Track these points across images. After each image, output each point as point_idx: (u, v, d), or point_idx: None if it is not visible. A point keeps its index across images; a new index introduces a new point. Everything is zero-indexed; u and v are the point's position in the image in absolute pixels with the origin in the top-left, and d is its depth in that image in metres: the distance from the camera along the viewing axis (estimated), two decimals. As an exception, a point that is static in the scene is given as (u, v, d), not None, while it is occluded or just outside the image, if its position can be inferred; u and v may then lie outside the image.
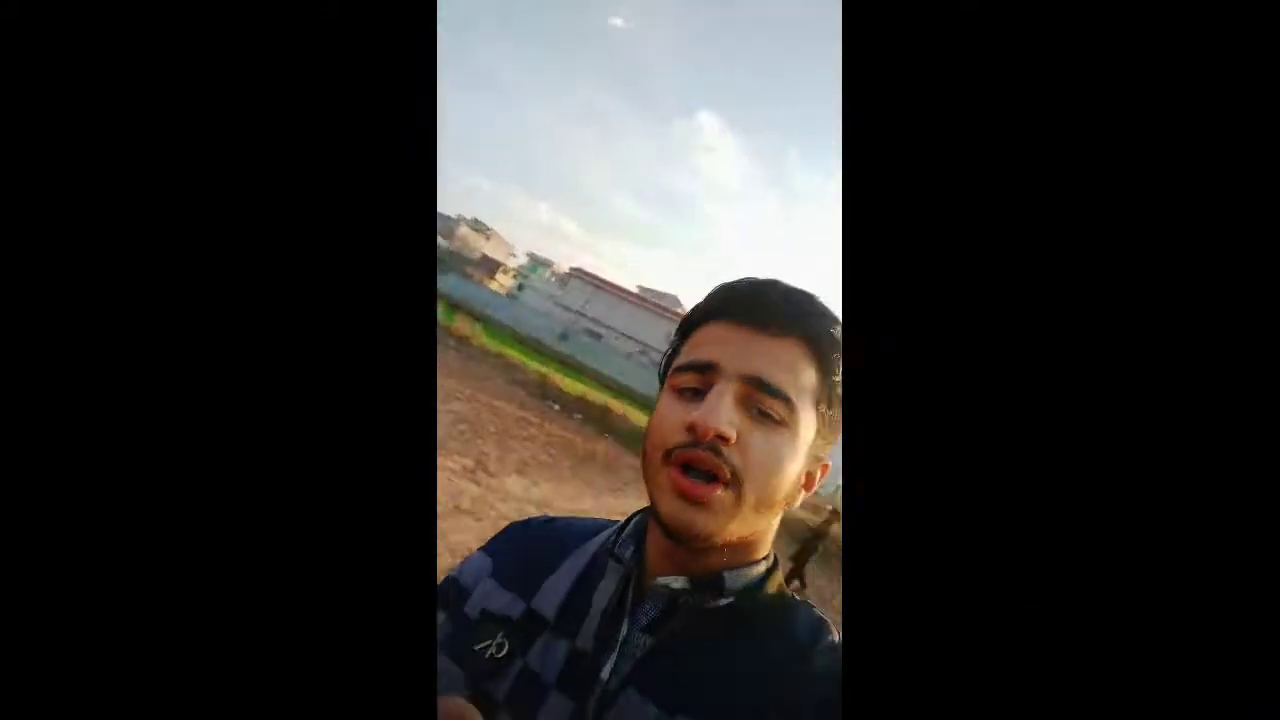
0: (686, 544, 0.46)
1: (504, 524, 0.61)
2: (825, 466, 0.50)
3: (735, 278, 0.53)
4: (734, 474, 0.44)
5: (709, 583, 0.47)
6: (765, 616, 0.48)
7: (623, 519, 0.56)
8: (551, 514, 0.63)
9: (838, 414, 0.49)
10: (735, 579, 0.48)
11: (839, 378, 0.48)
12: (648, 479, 0.48)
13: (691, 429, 0.44)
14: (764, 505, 0.46)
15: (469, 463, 5.12)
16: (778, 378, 0.46)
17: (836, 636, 0.48)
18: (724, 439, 0.44)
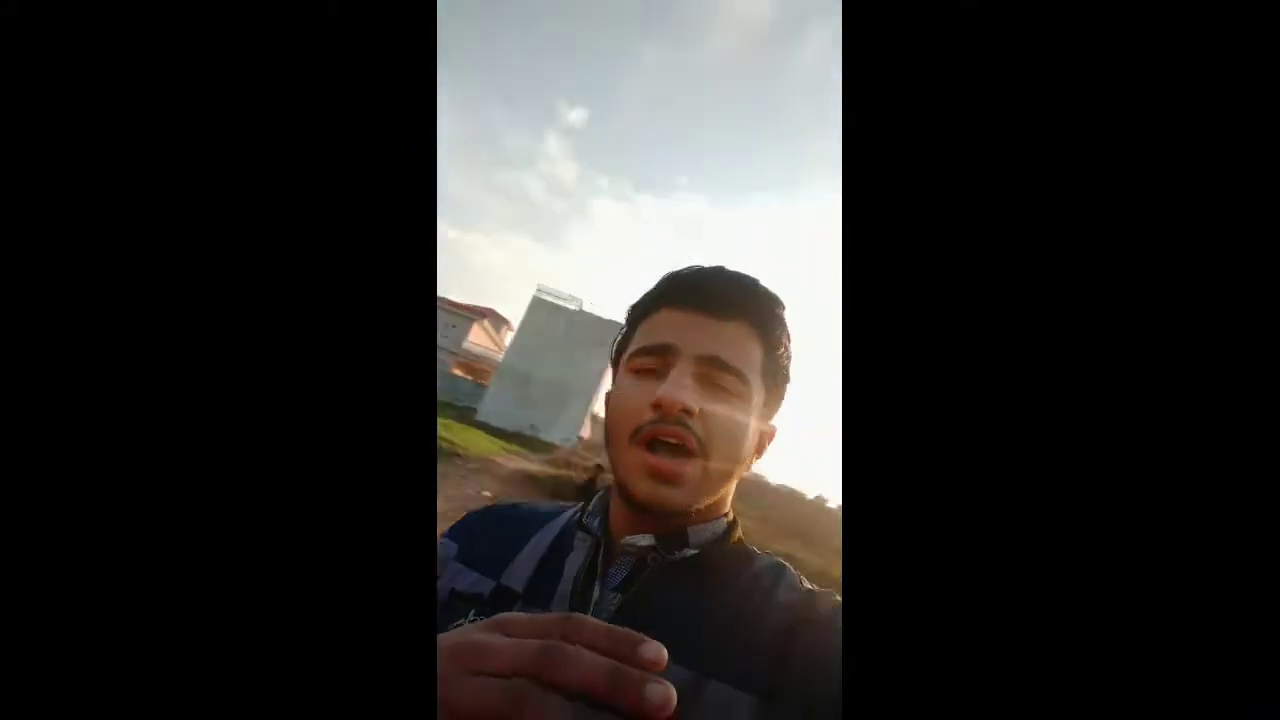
0: (661, 517, 0.50)
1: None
2: (772, 432, 0.56)
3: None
4: (700, 444, 0.48)
5: (674, 538, 0.51)
6: (728, 564, 0.51)
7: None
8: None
9: (781, 386, 0.55)
10: (699, 533, 0.52)
11: (780, 352, 0.54)
12: (615, 460, 0.52)
13: (658, 405, 0.48)
14: (726, 471, 0.50)
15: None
16: (730, 355, 0.51)
17: (794, 573, 0.52)
18: (689, 412, 0.48)
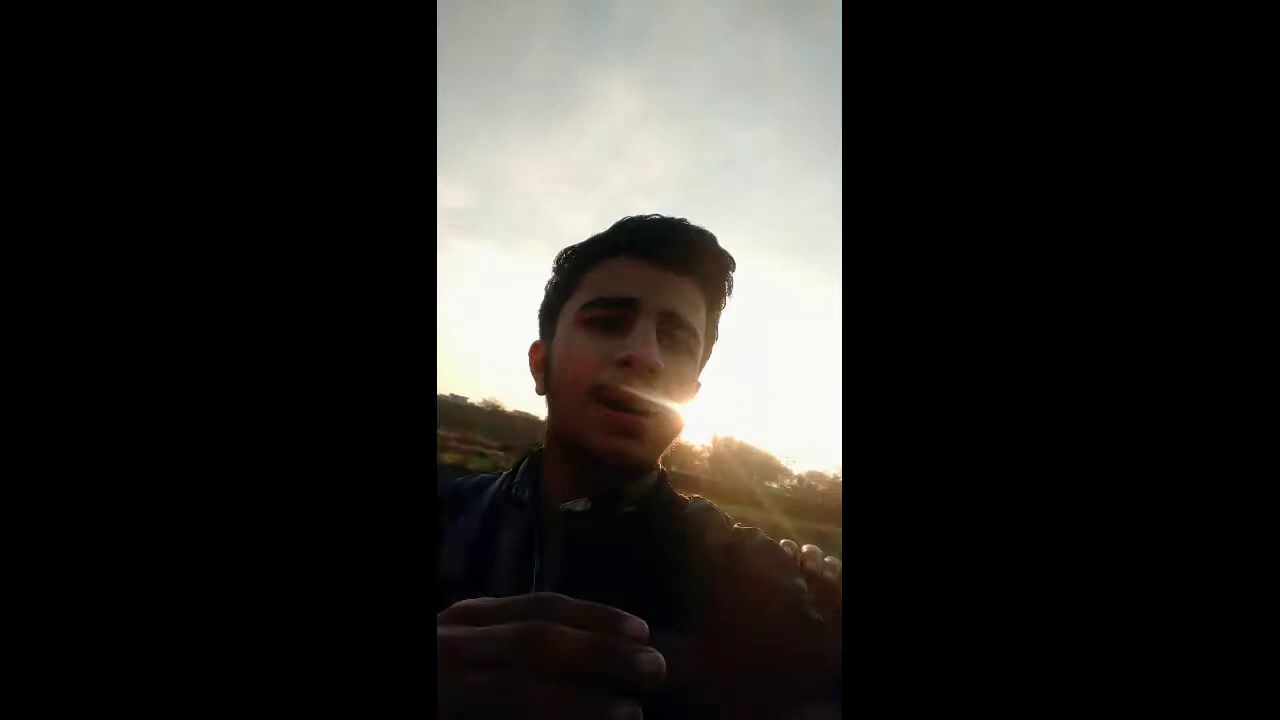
0: (620, 471, 0.49)
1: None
2: (698, 387, 0.56)
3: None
4: (659, 401, 0.48)
5: (611, 498, 0.51)
6: (664, 515, 0.52)
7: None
8: None
9: (712, 345, 0.56)
10: (636, 489, 0.52)
11: (719, 312, 0.55)
12: (568, 416, 0.50)
13: (628, 363, 0.47)
14: (679, 425, 0.51)
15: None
16: (686, 311, 0.51)
17: (721, 512, 0.53)
18: (655, 370, 0.48)
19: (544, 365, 0.56)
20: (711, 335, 0.55)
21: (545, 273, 0.58)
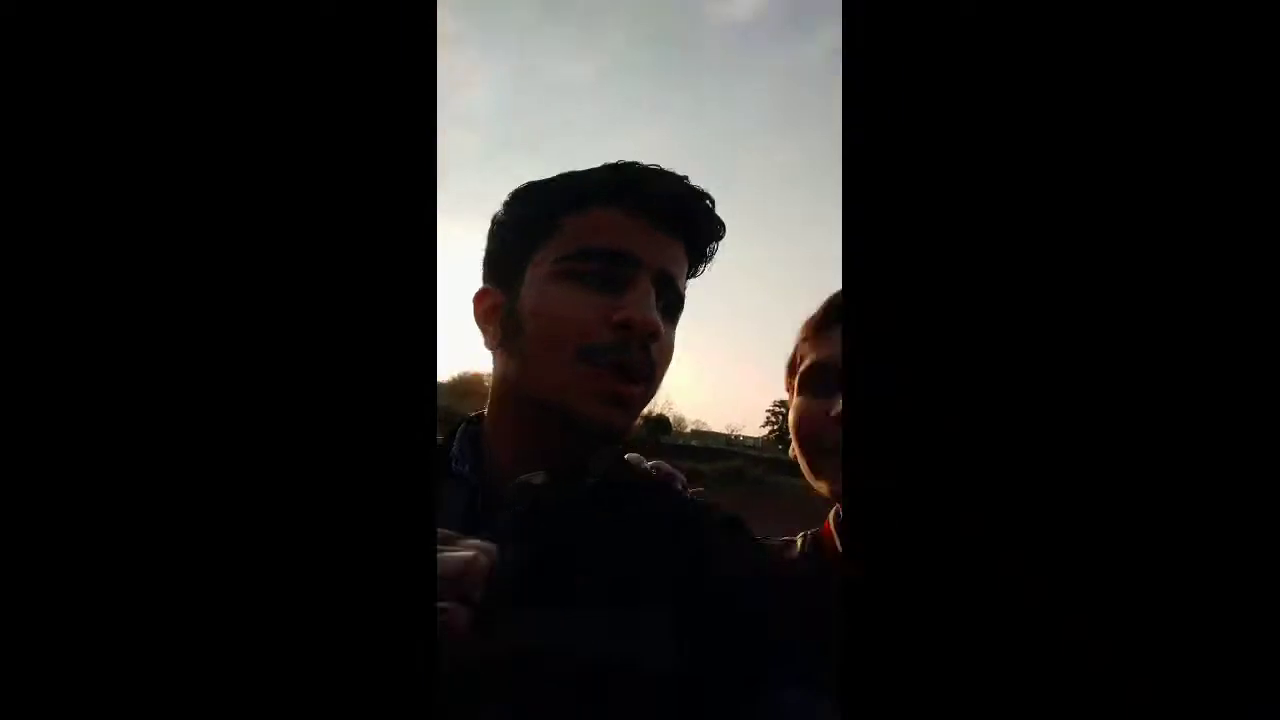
0: (599, 441, 0.46)
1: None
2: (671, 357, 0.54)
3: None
4: (650, 370, 0.45)
5: (572, 470, 0.47)
6: (624, 486, 0.49)
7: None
8: None
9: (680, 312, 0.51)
10: (600, 460, 0.48)
11: (690, 280, 0.50)
12: (544, 377, 0.45)
13: (626, 326, 0.43)
14: (654, 393, 0.48)
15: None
16: (677, 274, 0.47)
17: (679, 475, 0.52)
18: (656, 337, 0.44)
19: (498, 316, 0.49)
20: (682, 303, 0.51)
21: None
